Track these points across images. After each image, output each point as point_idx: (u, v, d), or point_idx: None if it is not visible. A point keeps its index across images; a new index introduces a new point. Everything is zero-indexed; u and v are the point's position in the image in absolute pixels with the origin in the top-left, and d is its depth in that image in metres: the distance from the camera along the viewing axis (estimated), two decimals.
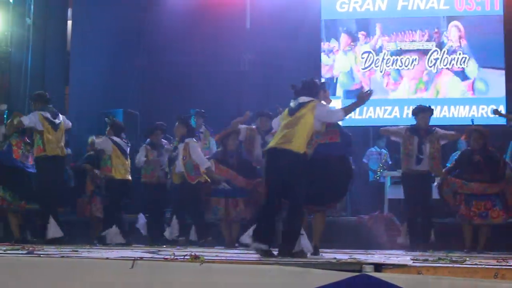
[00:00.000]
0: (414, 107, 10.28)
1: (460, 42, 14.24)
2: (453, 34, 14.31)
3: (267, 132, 9.44)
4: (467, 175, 9.59)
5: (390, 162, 13.51)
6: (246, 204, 9.81)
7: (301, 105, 7.09)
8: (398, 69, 14.52)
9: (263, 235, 6.84)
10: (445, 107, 14.08)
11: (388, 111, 14.39)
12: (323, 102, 7.38)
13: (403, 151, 10.00)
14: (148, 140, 11.29)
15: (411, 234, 9.73)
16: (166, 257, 6.00)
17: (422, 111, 9.99)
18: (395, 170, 11.83)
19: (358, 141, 14.34)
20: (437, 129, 10.04)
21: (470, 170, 9.56)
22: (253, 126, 10.14)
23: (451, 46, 14.29)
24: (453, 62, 14.25)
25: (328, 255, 7.35)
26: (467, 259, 6.44)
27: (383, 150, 13.72)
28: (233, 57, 15.18)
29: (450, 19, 14.42)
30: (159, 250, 7.87)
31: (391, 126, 10.88)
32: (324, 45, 14.83)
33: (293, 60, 14.20)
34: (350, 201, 13.41)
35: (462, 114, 13.98)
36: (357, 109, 14.19)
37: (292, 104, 7.20)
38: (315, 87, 7.31)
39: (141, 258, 5.58)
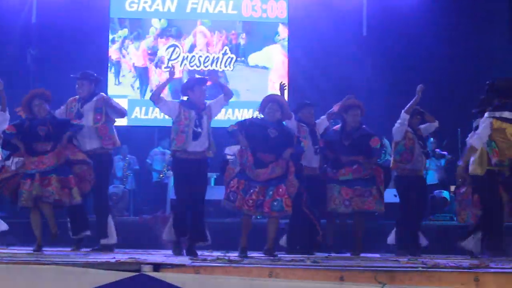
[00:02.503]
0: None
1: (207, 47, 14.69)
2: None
3: None
4: None
5: None
6: None
7: None
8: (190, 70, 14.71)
9: None
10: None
11: None
12: None
13: None
14: None
15: None
16: None
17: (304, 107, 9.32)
18: None
19: (143, 141, 14.36)
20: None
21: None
22: None
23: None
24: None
25: (108, 255, 7.25)
26: (244, 259, 6.59)
27: (167, 150, 13.76)
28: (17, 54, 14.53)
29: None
30: None
31: None
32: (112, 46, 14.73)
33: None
34: (132, 201, 13.36)
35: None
36: (143, 109, 14.35)
37: None
38: None
39: None
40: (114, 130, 8.50)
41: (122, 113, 8.54)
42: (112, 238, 8.42)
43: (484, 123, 7.56)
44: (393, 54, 14.42)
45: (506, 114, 7.42)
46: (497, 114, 7.48)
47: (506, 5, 14.57)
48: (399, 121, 9.11)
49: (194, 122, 7.84)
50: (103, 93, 8.69)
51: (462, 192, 9.25)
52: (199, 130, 7.81)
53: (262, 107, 7.83)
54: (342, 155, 8.72)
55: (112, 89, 14.54)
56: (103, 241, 8.35)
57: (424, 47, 14.41)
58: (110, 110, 8.42)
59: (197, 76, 10.32)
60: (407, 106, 9.10)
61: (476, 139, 7.70)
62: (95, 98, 8.40)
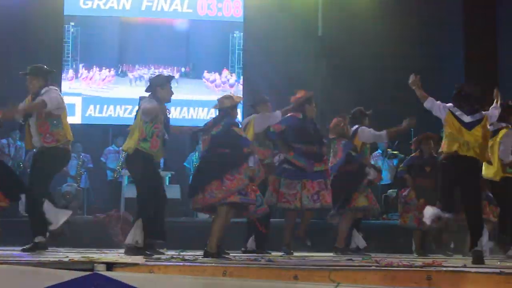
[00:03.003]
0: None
1: None
2: None
3: None
4: None
5: None
6: None
7: None
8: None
9: None
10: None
11: (128, 110, 14.42)
12: None
13: None
14: None
15: None
16: None
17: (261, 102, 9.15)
18: None
19: (97, 140, 14.25)
20: None
21: None
22: None
23: None
24: None
25: (61, 254, 7.18)
26: (199, 258, 6.59)
27: (121, 148, 13.67)
28: None
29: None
30: None
31: None
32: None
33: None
34: (86, 200, 13.25)
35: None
36: (97, 107, 14.26)
37: None
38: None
39: None
40: (61, 127, 7.87)
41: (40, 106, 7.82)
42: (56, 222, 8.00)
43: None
44: (347, 54, 14.51)
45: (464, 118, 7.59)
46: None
47: (460, 4, 14.75)
48: (377, 134, 9.20)
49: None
50: (53, 87, 8.02)
51: (405, 195, 9.44)
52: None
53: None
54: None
55: (67, 86, 14.41)
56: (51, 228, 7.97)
57: (379, 47, 14.52)
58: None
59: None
60: (392, 131, 9.24)
61: None
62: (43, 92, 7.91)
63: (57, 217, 7.69)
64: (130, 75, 14.71)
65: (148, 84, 7.82)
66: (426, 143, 9.57)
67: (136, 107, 7.85)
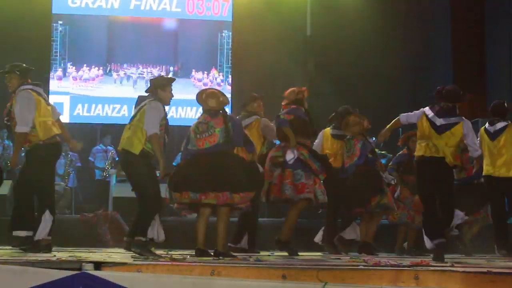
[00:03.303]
0: None
1: None
2: None
3: None
4: None
5: (117, 159, 13.41)
6: None
7: None
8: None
9: None
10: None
11: (116, 109, 14.41)
12: None
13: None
14: None
15: None
16: None
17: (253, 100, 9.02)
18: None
19: (85, 139, 14.20)
20: None
21: None
22: None
23: None
24: None
25: (49, 253, 7.16)
26: (187, 257, 6.59)
27: (109, 147, 13.65)
28: None
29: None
30: None
31: None
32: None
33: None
34: (74, 199, 13.21)
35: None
36: (85, 106, 14.24)
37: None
38: None
39: None
40: (34, 126, 7.65)
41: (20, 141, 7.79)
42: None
43: None
44: (336, 53, 14.55)
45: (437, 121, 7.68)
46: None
47: (447, 5, 14.82)
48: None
49: None
50: (27, 87, 7.80)
51: (398, 195, 9.46)
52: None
53: None
54: None
55: (55, 85, 14.39)
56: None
57: (367, 47, 14.57)
58: None
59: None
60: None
61: None
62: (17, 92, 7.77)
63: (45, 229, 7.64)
64: (118, 74, 14.68)
65: (149, 85, 7.69)
66: (414, 140, 9.56)
67: (127, 106, 7.84)
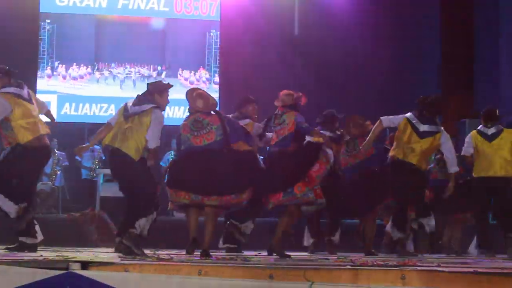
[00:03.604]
0: None
1: None
2: None
3: None
4: None
5: (104, 158, 13.39)
6: None
7: None
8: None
9: None
10: None
11: (104, 108, 14.39)
12: None
13: None
14: None
15: None
16: None
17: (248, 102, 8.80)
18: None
19: (73, 138, 14.17)
20: None
21: None
22: None
23: None
24: None
25: (35, 253, 7.14)
26: (174, 257, 6.58)
27: (96, 146, 13.59)
28: None
29: None
30: None
31: None
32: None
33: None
34: (61, 198, 13.18)
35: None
36: (73, 105, 14.20)
37: None
38: None
39: None
40: (10, 129, 7.58)
41: None
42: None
43: None
44: (324, 53, 14.57)
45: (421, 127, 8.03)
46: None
47: (437, 5, 14.90)
48: None
49: None
50: (6, 89, 7.66)
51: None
52: None
53: None
54: None
55: (43, 84, 14.36)
56: None
57: (354, 46, 14.62)
58: None
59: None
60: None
61: None
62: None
63: None
64: (106, 73, 14.67)
65: (146, 89, 7.51)
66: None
67: (114, 106, 7.77)
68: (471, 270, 4.92)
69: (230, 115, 8.11)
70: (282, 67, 14.23)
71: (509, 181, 8.86)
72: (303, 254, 8.68)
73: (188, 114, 7.58)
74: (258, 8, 14.70)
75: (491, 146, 8.88)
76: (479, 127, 9.08)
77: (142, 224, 7.03)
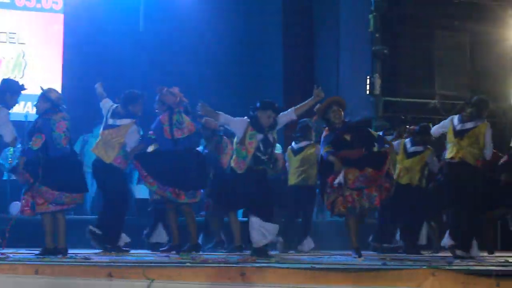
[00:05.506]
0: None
1: None
2: None
3: None
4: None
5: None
6: None
7: None
8: None
9: None
10: None
11: None
12: None
13: None
14: None
15: None
16: None
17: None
18: None
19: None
20: None
21: None
22: None
23: None
24: None
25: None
26: (10, 256, 6.39)
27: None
28: None
29: None
30: None
31: None
32: None
33: None
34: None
35: None
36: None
37: None
38: None
39: None
40: None
41: None
42: None
43: None
44: (169, 49, 14.59)
45: None
46: None
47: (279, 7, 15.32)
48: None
49: None
50: None
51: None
52: None
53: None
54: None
55: None
56: None
57: (201, 42, 14.76)
58: None
59: None
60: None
61: None
62: None
63: None
64: None
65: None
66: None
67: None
68: (309, 266, 5.10)
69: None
70: (127, 63, 14.09)
71: None
72: (145, 252, 8.64)
73: None
74: (103, 2, 14.44)
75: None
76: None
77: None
